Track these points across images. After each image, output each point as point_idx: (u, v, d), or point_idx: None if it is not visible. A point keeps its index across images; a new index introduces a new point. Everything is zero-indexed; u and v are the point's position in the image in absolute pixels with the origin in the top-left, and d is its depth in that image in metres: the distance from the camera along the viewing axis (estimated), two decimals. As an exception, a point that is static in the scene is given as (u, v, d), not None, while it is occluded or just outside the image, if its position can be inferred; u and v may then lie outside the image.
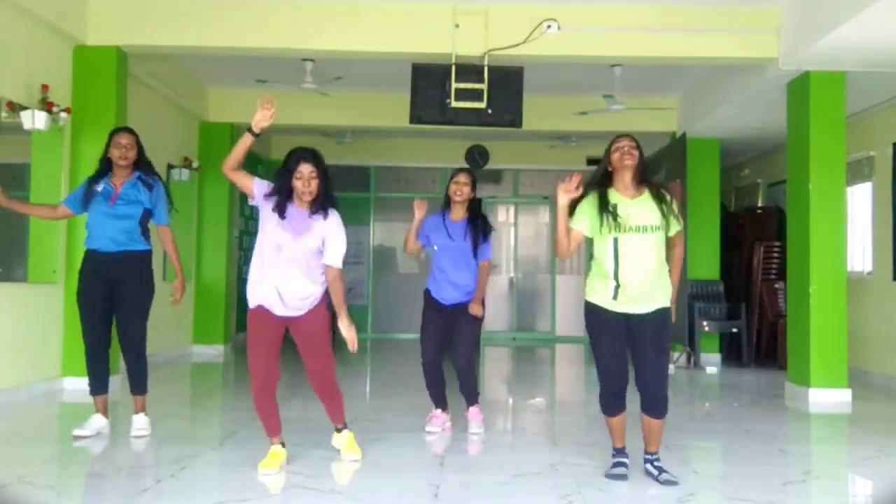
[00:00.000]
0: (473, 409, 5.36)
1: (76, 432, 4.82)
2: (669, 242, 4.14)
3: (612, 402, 4.13)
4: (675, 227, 4.12)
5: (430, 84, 7.16)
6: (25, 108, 6.11)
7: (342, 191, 13.48)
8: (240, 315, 11.44)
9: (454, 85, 7.08)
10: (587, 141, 11.53)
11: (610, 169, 4.12)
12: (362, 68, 8.59)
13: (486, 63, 7.10)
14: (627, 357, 4.11)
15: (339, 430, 4.49)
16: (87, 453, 4.68)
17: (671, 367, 9.20)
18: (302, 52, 7.64)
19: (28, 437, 5.10)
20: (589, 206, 4.09)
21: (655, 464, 4.13)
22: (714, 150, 10.06)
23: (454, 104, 7.11)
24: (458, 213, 5.27)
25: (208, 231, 10.08)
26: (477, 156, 12.71)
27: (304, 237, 4.09)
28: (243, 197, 4.35)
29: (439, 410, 5.39)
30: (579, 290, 13.17)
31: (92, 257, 4.89)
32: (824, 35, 6.06)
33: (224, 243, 10.21)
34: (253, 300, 4.19)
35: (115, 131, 5.02)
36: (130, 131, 5.01)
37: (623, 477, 4.12)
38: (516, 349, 12.05)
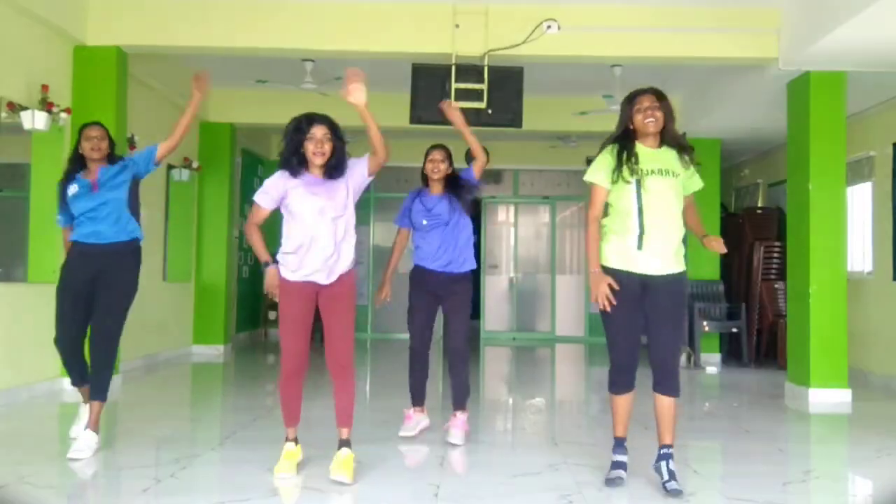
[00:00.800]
0: (460, 416, 5.08)
1: (72, 433, 4.79)
2: (685, 202, 4.00)
3: (619, 378, 3.98)
4: (698, 184, 4.03)
5: (430, 84, 7.16)
6: (25, 108, 6.12)
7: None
8: (240, 315, 11.44)
9: (454, 85, 7.08)
10: (587, 141, 11.51)
11: (631, 127, 3.95)
12: (362, 68, 8.56)
13: (486, 63, 7.09)
14: (639, 336, 3.98)
15: (342, 444, 4.07)
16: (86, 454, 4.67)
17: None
18: (302, 52, 7.64)
19: (28, 437, 5.10)
20: (608, 156, 3.94)
21: (670, 465, 3.87)
22: (714, 150, 10.06)
23: (454, 104, 7.10)
24: (437, 189, 5.19)
25: (208, 231, 10.08)
26: (477, 156, 12.70)
27: (335, 193, 4.00)
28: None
29: (413, 410, 5.22)
30: (579, 290, 13.23)
31: (79, 248, 4.65)
32: (824, 35, 6.06)
33: (224, 243, 10.20)
34: (296, 276, 4.00)
35: (84, 126, 4.86)
36: (100, 124, 4.87)
37: (620, 483, 3.98)
38: (516, 349, 12.05)
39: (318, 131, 3.99)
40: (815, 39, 6.25)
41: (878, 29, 5.79)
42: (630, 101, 3.98)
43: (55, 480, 4.13)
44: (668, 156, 3.97)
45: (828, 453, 5.42)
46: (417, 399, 5.25)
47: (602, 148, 4.00)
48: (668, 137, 3.99)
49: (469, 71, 7.11)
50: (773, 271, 9.77)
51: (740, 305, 9.84)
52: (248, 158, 11.65)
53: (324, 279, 4.01)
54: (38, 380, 6.49)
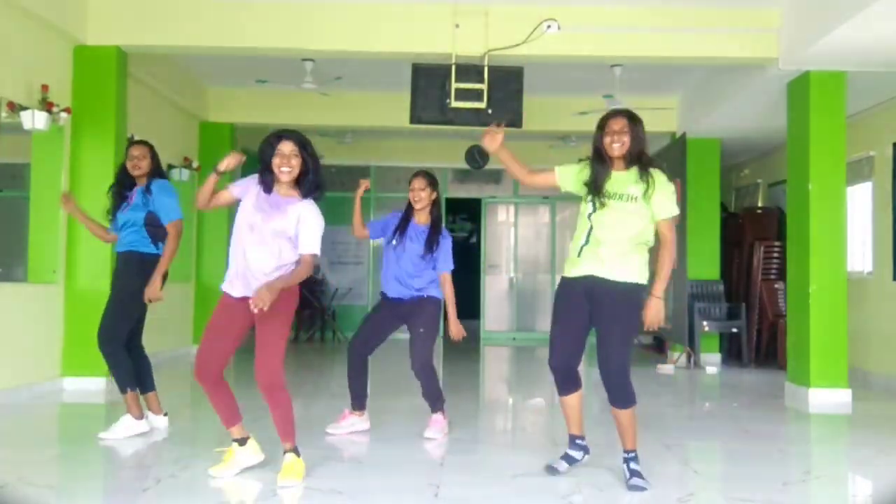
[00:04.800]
0: (435, 416, 5.20)
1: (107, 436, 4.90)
2: (658, 229, 3.97)
3: (556, 379, 4.11)
4: (663, 212, 3.95)
5: (430, 84, 7.16)
6: (25, 108, 6.12)
7: (342, 191, 13.52)
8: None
9: (454, 85, 7.08)
10: (587, 141, 11.46)
11: (601, 148, 4.01)
12: (362, 68, 8.59)
13: (486, 63, 7.09)
14: (582, 340, 4.04)
15: (286, 451, 3.99)
16: (87, 453, 4.67)
17: (671, 367, 9.21)
18: (302, 52, 7.64)
19: (28, 437, 5.09)
20: (579, 171, 4.11)
21: (631, 465, 3.98)
22: (714, 150, 10.06)
23: (454, 104, 7.11)
24: (422, 218, 5.21)
25: (208, 231, 10.08)
26: (477, 156, 12.67)
27: (275, 218, 3.90)
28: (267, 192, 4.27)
29: (348, 410, 5.25)
30: (579, 290, 13.21)
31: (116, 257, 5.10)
32: (824, 35, 6.06)
33: (224, 243, 10.19)
34: (225, 284, 4.03)
35: (129, 144, 5.24)
36: (144, 143, 5.13)
37: (554, 472, 4.10)
38: (516, 349, 12.05)
39: (286, 147, 3.93)
40: (815, 39, 6.24)
41: (878, 29, 5.79)
42: (601, 123, 4.07)
43: (55, 480, 4.13)
44: (632, 178, 3.98)
45: (828, 453, 5.42)
46: (355, 402, 5.26)
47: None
48: (628, 159, 4.01)
49: (469, 71, 7.10)
50: (773, 271, 9.77)
51: (740, 305, 9.84)
52: (249, 158, 11.61)
53: (240, 292, 3.96)
54: (38, 380, 6.49)
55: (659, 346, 10.80)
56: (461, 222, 18.08)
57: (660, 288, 3.93)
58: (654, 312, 3.91)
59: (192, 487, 3.91)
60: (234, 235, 4.00)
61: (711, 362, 9.60)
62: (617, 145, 3.96)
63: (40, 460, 4.43)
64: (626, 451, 4.03)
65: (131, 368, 4.96)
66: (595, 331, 4.00)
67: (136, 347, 5.12)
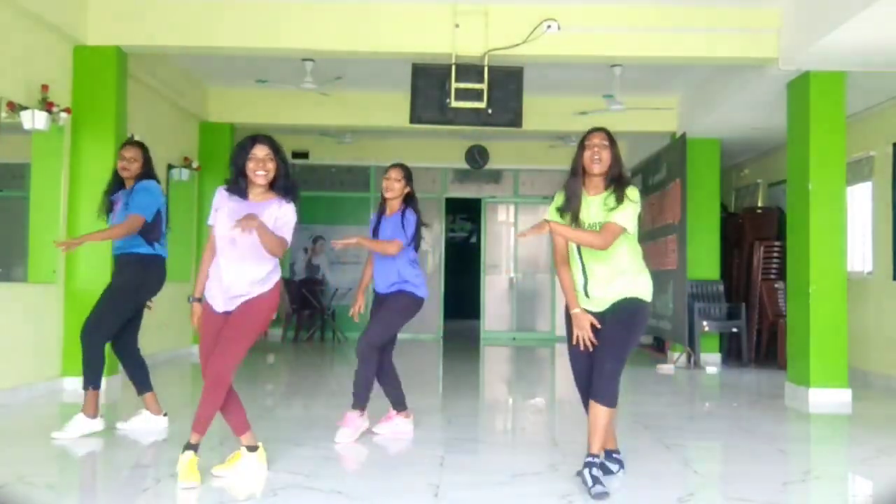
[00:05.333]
0: (351, 414, 5.01)
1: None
2: (605, 226, 3.89)
3: (583, 398, 4.10)
4: (620, 219, 3.87)
5: (430, 84, 7.16)
6: (25, 108, 6.11)
7: (342, 191, 13.45)
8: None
9: (454, 85, 7.08)
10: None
11: (581, 166, 3.99)
12: (362, 68, 8.59)
13: (486, 63, 7.10)
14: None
15: (249, 449, 4.06)
16: (87, 453, 4.67)
17: (671, 367, 9.21)
18: (302, 52, 7.64)
19: (28, 437, 5.09)
20: (555, 203, 4.10)
21: (593, 471, 3.80)
22: (714, 150, 10.06)
23: (454, 104, 7.11)
24: (392, 208, 5.23)
25: (208, 231, 10.05)
26: (477, 156, 12.72)
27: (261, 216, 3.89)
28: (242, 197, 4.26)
29: (356, 410, 5.05)
30: (579, 290, 13.21)
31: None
32: (824, 35, 6.06)
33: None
34: (208, 294, 4.05)
35: (122, 144, 5.21)
36: (136, 144, 5.13)
37: (603, 492, 3.80)
38: (516, 349, 12.05)
39: (260, 151, 3.93)
40: (814, 39, 6.24)
41: (878, 29, 5.79)
42: (581, 141, 4.05)
43: (55, 480, 4.13)
44: (600, 203, 3.97)
45: (828, 453, 5.42)
46: (360, 402, 5.11)
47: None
48: (608, 180, 3.99)
49: (469, 71, 7.11)
50: (773, 271, 9.77)
51: (740, 305, 9.83)
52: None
53: (220, 307, 3.98)
54: (38, 380, 6.49)
55: (659, 346, 10.80)
56: (461, 222, 18.09)
57: (566, 229, 3.90)
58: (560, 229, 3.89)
59: (192, 487, 3.91)
60: (218, 250, 4.00)
61: (711, 362, 9.59)
62: (597, 159, 3.95)
63: (40, 460, 4.43)
64: (591, 455, 3.85)
65: (102, 367, 4.96)
66: (597, 334, 3.98)
67: (132, 350, 5.13)
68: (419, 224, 5.19)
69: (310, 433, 5.13)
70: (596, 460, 3.86)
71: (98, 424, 4.97)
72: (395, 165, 5.26)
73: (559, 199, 4.09)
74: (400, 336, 5.47)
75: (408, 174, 5.25)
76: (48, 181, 6.63)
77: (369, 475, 4.23)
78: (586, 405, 4.02)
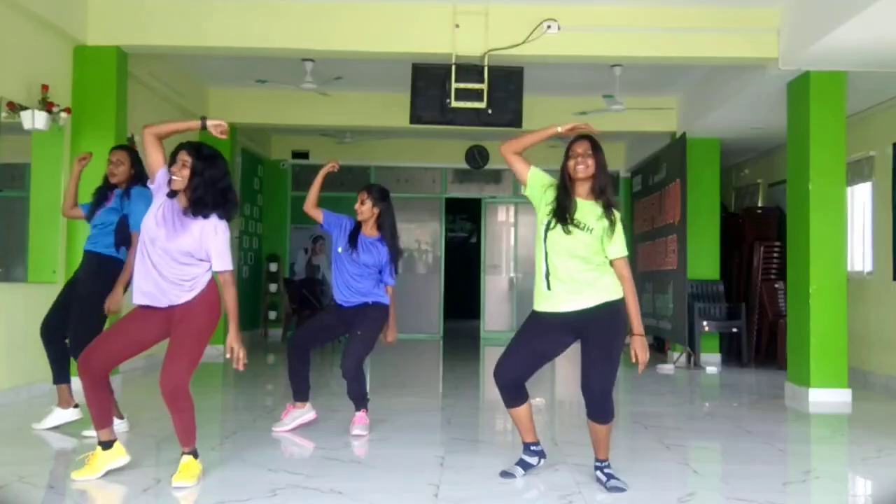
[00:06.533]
0: (359, 414, 5.21)
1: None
2: (615, 269, 3.94)
3: (503, 394, 4.09)
4: (618, 252, 3.92)
5: (430, 84, 7.16)
6: (25, 108, 6.11)
7: (342, 191, 13.53)
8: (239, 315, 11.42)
9: (454, 85, 7.08)
10: (587, 141, 11.52)
11: (568, 173, 3.98)
12: (362, 68, 8.59)
13: (486, 63, 7.10)
14: (534, 367, 4.07)
15: (184, 453, 3.98)
16: (87, 453, 4.67)
17: (671, 367, 9.20)
18: (302, 52, 7.64)
19: (28, 437, 5.09)
20: (547, 186, 4.05)
21: (605, 470, 4.00)
22: (714, 150, 10.06)
23: (454, 104, 7.11)
24: (369, 230, 5.22)
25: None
26: (477, 156, 12.72)
27: (179, 237, 3.86)
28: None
29: (290, 404, 5.28)
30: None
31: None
32: (824, 35, 6.06)
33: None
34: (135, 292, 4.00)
35: (112, 149, 5.22)
36: (124, 148, 5.17)
37: (510, 477, 4.09)
38: (516, 349, 12.03)
39: (181, 156, 3.87)
40: (815, 39, 6.24)
41: (878, 29, 5.79)
42: (566, 151, 4.05)
43: (55, 480, 4.13)
44: (591, 210, 3.95)
45: (828, 453, 5.42)
46: (298, 395, 5.29)
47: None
48: (597, 190, 3.98)
49: (469, 71, 7.11)
50: (773, 271, 9.77)
51: (740, 305, 9.83)
52: (248, 158, 11.64)
53: (156, 302, 3.93)
54: (38, 380, 6.47)
55: (659, 346, 10.80)
56: (461, 222, 18.09)
57: (637, 325, 3.93)
58: (641, 348, 3.91)
59: (192, 487, 3.91)
60: (140, 242, 3.95)
61: (711, 362, 9.59)
62: (581, 167, 3.95)
63: (40, 460, 4.43)
64: (600, 461, 4.03)
65: (67, 362, 5.07)
66: (581, 350, 3.97)
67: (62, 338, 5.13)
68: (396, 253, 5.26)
69: (310, 433, 5.13)
70: (605, 463, 4.01)
71: (74, 414, 5.13)
72: (366, 188, 5.27)
73: (550, 194, 4.01)
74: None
75: (379, 196, 5.22)
76: (48, 181, 6.63)
77: (369, 475, 4.23)
78: (511, 402, 4.08)
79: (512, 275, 13.58)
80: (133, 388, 6.94)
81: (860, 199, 8.68)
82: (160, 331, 3.98)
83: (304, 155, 12.55)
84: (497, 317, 13.48)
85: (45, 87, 6.31)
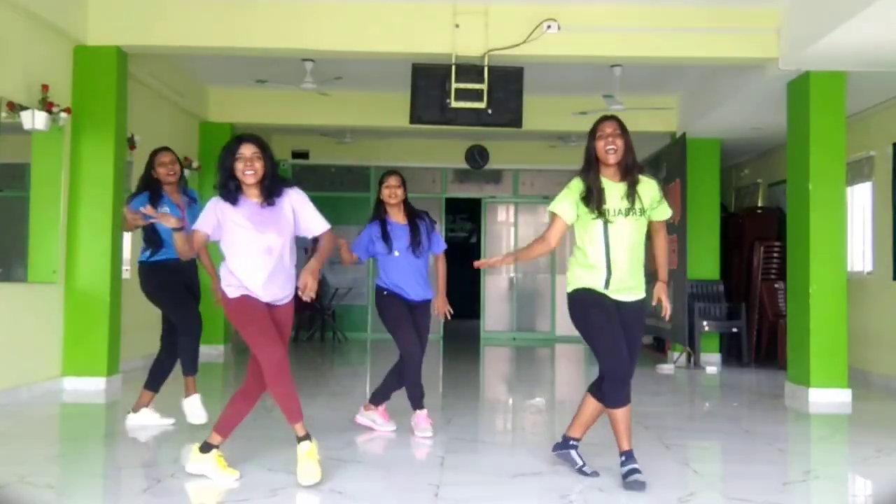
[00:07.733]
0: (423, 413, 5.22)
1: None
2: (652, 227, 4.09)
3: (619, 391, 3.96)
4: (664, 213, 4.09)
5: (430, 84, 7.16)
6: (25, 108, 6.11)
7: (342, 191, 13.48)
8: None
9: (454, 85, 7.08)
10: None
11: (595, 157, 3.98)
12: (362, 68, 8.59)
13: (486, 63, 7.10)
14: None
15: (301, 440, 4.02)
16: (87, 453, 4.68)
17: (671, 367, 9.21)
18: (302, 52, 7.64)
19: (28, 437, 5.09)
20: (574, 192, 4.01)
21: (632, 464, 3.95)
22: (714, 150, 10.06)
23: (454, 104, 7.11)
24: (399, 216, 5.25)
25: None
26: (477, 156, 12.71)
27: (277, 224, 3.98)
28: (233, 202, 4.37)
29: (426, 412, 5.25)
30: (579, 290, 13.19)
31: (167, 266, 5.44)
32: (824, 35, 6.06)
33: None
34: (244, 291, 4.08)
35: (156, 151, 5.26)
36: (169, 149, 5.27)
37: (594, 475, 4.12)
38: (516, 349, 12.05)
39: (247, 150, 3.92)
40: (815, 39, 6.24)
41: (878, 29, 5.79)
42: (593, 129, 4.03)
43: (55, 480, 4.12)
44: (630, 190, 3.97)
45: (828, 453, 5.42)
46: (418, 403, 5.28)
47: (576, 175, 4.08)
48: (627, 171, 3.99)
49: (469, 71, 7.11)
50: (773, 271, 9.77)
51: (740, 305, 9.83)
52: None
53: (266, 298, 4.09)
54: (38, 380, 6.48)
55: (659, 346, 10.80)
56: (461, 222, 18.08)
57: (664, 272, 4.22)
58: (666, 295, 4.20)
59: (192, 487, 3.91)
60: (239, 259, 4.06)
61: (711, 362, 9.59)
62: (611, 148, 3.93)
63: (40, 460, 4.43)
64: (625, 452, 4.00)
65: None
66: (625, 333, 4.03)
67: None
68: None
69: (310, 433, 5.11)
70: (631, 453, 3.99)
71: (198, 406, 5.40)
72: (393, 173, 5.31)
73: (578, 187, 4.00)
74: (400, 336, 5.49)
75: (404, 180, 5.33)
76: (48, 181, 6.63)
77: (369, 475, 4.23)
78: (623, 398, 3.97)
79: (512, 275, 13.58)
80: (133, 387, 6.93)
81: (860, 199, 8.68)
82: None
83: (305, 155, 12.55)
84: (497, 317, 13.49)
85: (45, 87, 6.31)
